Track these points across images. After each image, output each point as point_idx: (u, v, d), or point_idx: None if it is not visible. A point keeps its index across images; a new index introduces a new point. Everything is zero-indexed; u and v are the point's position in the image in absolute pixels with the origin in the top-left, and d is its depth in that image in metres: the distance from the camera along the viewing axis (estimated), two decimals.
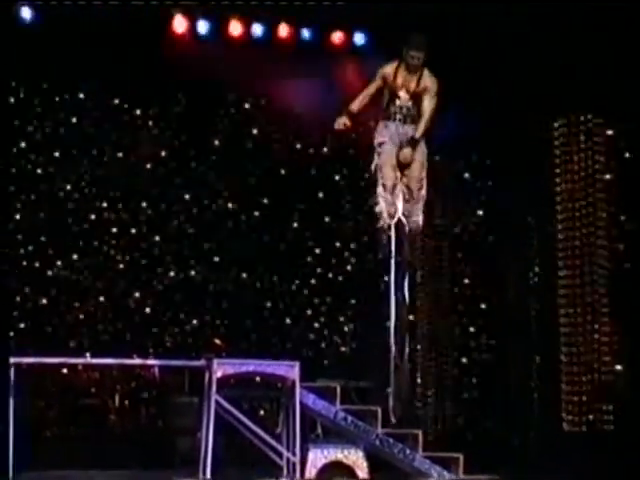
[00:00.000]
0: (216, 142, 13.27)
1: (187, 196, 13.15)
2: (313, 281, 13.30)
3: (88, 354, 11.51)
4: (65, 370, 11.94)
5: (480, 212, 13.22)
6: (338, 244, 13.43)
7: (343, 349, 13.10)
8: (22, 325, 12.58)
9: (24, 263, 12.73)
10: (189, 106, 13.11)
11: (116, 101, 13.09)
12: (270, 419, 10.88)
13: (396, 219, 9.17)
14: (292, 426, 9.52)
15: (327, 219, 13.42)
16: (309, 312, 13.28)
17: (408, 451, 9.43)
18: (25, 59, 12.25)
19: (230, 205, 13.25)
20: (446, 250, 13.15)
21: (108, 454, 10.98)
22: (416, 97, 9.05)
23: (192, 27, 12.55)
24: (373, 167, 9.24)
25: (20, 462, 9.55)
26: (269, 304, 13.14)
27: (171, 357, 11.76)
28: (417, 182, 9.16)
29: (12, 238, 12.70)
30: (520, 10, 11.13)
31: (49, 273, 12.79)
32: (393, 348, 9.25)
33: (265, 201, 13.27)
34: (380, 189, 9.16)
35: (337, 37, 12.18)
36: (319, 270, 13.29)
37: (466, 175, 13.24)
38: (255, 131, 13.33)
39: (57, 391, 12.02)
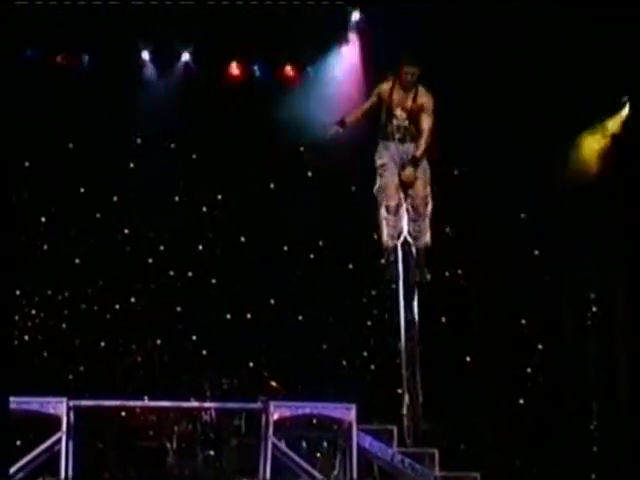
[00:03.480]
0: (271, 185, 13.34)
1: (243, 239, 13.23)
2: (369, 323, 13.26)
3: (146, 397, 11.57)
4: (123, 413, 12.00)
5: (536, 252, 13.13)
6: (394, 286, 13.39)
7: (399, 391, 13.01)
8: (81, 368, 12.71)
9: (83, 306, 12.88)
10: (244, 150, 13.21)
11: (172, 146, 13.25)
12: (327, 461, 10.83)
13: (402, 239, 9.14)
14: (349, 468, 9.50)
15: (383, 261, 13.40)
16: (365, 354, 13.24)
17: None
18: (83, 106, 12.50)
19: (285, 248, 13.29)
20: (503, 290, 13.06)
21: None
22: (413, 114, 9.05)
23: (247, 71, 12.73)
24: (376, 189, 9.23)
25: None
26: (325, 346, 13.12)
27: (228, 400, 11.79)
28: (422, 200, 9.15)
29: (71, 281, 12.88)
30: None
31: (107, 316, 12.92)
32: (404, 369, 9.19)
33: (320, 243, 13.30)
34: (383, 211, 9.16)
35: None
36: (375, 312, 13.25)
37: (522, 215, 13.18)
38: (310, 174, 13.38)
39: (115, 433, 12.08)
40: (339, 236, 13.23)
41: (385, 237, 9.20)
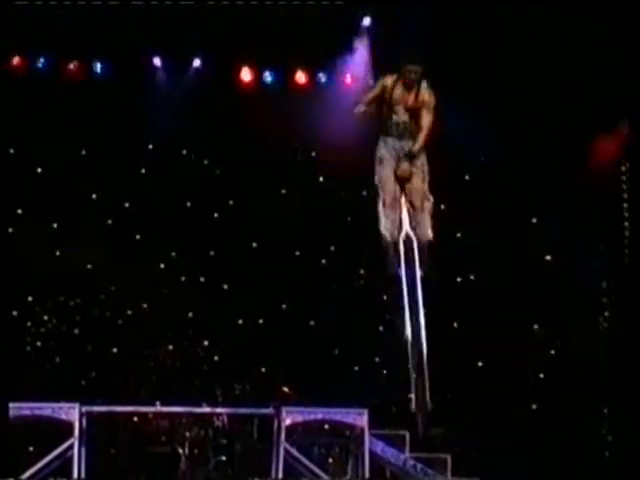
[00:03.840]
0: (283, 191, 13.36)
1: (255, 244, 13.24)
2: (381, 328, 13.26)
3: (158, 402, 11.58)
4: (135, 418, 12.02)
5: (548, 257, 13.12)
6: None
7: (411, 396, 12.99)
8: (93, 374, 12.73)
9: (94, 312, 12.91)
10: (255, 155, 13.23)
11: (184, 152, 13.28)
12: (339, 467, 10.83)
13: (403, 234, 9.12)
14: (361, 474, 9.50)
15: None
16: (377, 359, 13.23)
17: None
18: (95, 112, 12.56)
19: (298, 253, 13.30)
20: (514, 295, 13.04)
21: None
22: (414, 112, 9.04)
23: (258, 77, 12.77)
24: (377, 180, 9.21)
25: None
26: (337, 351, 13.12)
27: (240, 405, 11.80)
28: (420, 195, 9.10)
29: (83, 288, 12.91)
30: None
31: (119, 322, 12.95)
32: (410, 363, 9.16)
33: (332, 249, 13.31)
34: (380, 206, 9.14)
35: None
36: (387, 317, 13.24)
37: (534, 220, 13.18)
38: (322, 179, 13.39)
39: (128, 439, 12.11)
40: (351, 241, 13.23)
41: (383, 230, 9.18)
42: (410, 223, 9.10)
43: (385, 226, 9.11)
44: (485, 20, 11.55)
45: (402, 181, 9.07)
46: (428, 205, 9.14)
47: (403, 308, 9.14)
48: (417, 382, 9.00)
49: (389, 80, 9.08)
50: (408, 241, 9.09)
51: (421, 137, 9.00)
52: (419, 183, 9.10)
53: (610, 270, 12.79)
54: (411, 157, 8.98)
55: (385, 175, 9.08)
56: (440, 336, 12.87)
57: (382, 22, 12.06)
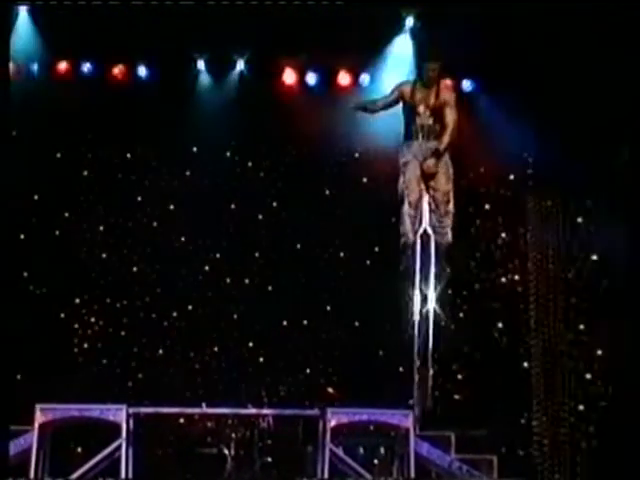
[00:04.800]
0: (327, 192, 13.38)
1: (299, 246, 13.27)
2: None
3: (204, 404, 11.64)
4: (182, 419, 12.09)
5: (594, 257, 13.03)
6: (450, 291, 13.35)
7: (457, 397, 12.98)
8: (140, 375, 12.82)
9: (141, 314, 12.99)
10: (299, 157, 13.27)
11: (228, 154, 13.34)
12: (384, 468, 10.83)
13: (421, 231, 9.12)
14: (406, 475, 9.50)
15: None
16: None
17: None
18: (140, 115, 12.66)
19: (342, 254, 13.31)
20: (560, 296, 12.97)
21: None
22: (436, 111, 9.01)
23: (301, 79, 12.81)
24: (400, 187, 9.20)
25: None
26: (382, 352, 13.11)
27: (285, 406, 11.82)
28: (444, 194, 9.09)
29: (129, 290, 13.00)
30: None
31: (165, 324, 13.02)
32: (416, 359, 9.17)
33: (376, 249, 13.30)
34: (406, 206, 9.14)
35: None
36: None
37: (579, 219, 13.10)
38: (365, 180, 13.39)
39: (174, 440, 12.18)
40: (395, 243, 13.20)
41: (409, 233, 9.20)
42: (430, 222, 9.11)
43: (409, 228, 9.14)
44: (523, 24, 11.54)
45: (427, 178, 9.08)
46: (450, 207, 9.14)
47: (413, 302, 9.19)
48: (420, 380, 9.03)
49: (407, 86, 9.09)
50: (425, 237, 9.12)
51: (446, 135, 9.01)
52: (443, 183, 9.11)
53: None
54: (437, 155, 8.99)
55: (410, 175, 9.11)
56: (485, 338, 12.95)
57: (425, 23, 12.07)
